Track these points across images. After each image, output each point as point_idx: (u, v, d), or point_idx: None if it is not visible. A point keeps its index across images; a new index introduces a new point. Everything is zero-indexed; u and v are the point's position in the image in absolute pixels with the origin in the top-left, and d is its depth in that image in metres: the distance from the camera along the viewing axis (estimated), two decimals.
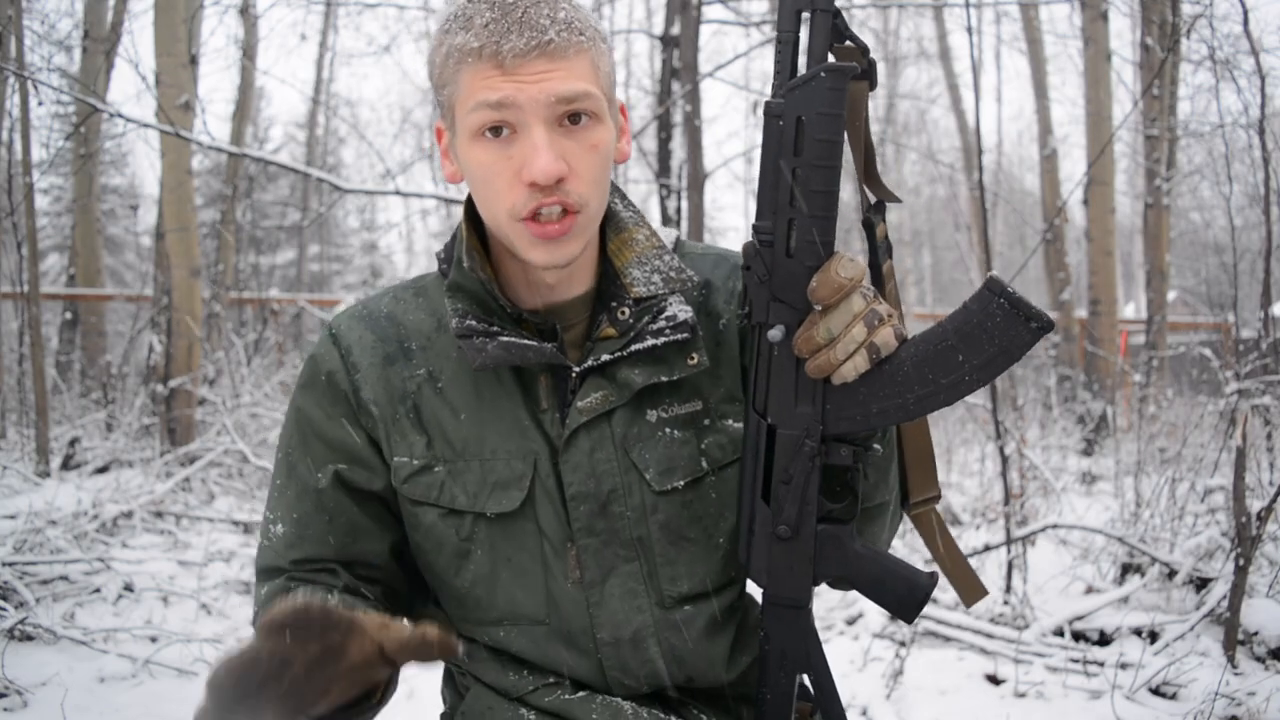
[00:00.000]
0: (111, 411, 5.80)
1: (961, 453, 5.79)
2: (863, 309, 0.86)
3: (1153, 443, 4.27)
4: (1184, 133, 7.11)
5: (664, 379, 1.00)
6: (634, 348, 0.99)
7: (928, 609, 3.05)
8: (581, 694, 1.02)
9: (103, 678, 2.70)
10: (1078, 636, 3.02)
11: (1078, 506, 4.45)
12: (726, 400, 1.04)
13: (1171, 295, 11.06)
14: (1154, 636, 2.93)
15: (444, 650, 0.79)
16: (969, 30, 3.47)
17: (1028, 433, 5.90)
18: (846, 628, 3.25)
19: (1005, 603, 3.25)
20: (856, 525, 0.97)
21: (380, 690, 0.86)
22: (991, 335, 0.85)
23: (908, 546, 3.79)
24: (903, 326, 0.89)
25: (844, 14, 0.88)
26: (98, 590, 3.30)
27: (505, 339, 0.97)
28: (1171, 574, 3.17)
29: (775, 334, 0.89)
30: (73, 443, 4.96)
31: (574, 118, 0.93)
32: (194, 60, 5.66)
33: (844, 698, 1.17)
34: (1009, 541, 3.33)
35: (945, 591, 3.30)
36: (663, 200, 6.49)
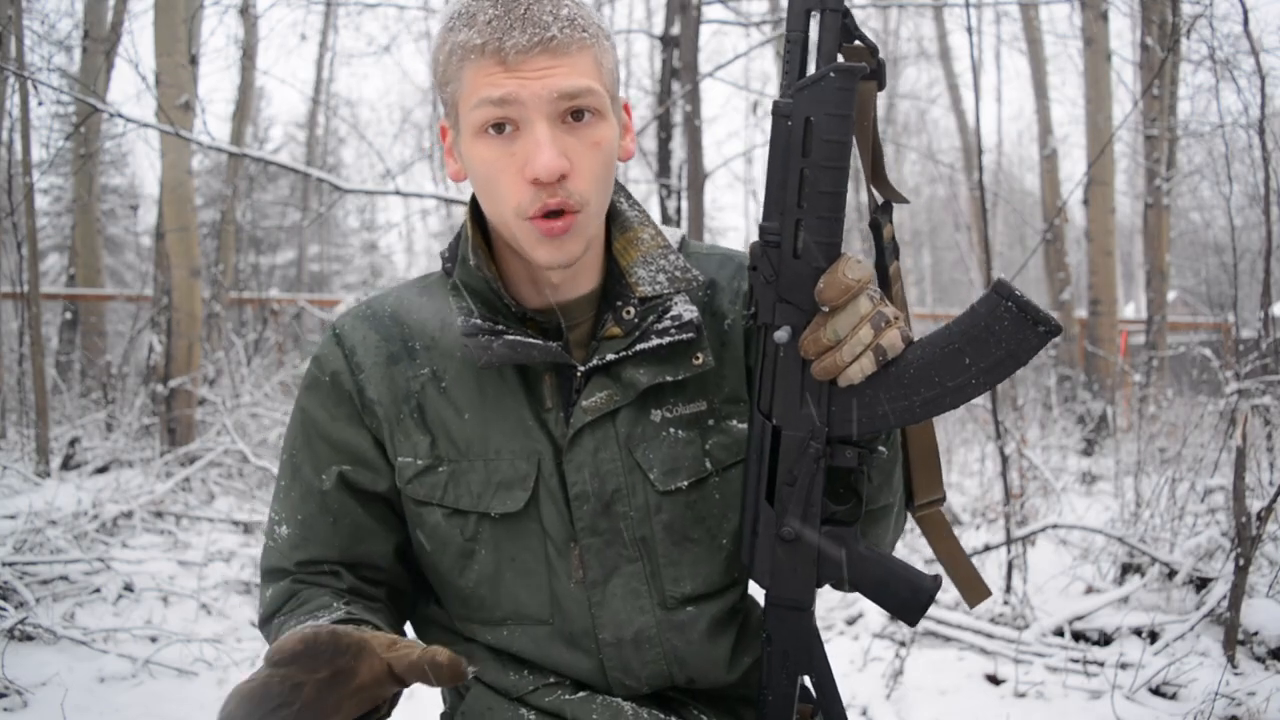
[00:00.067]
0: (111, 411, 5.80)
1: (961, 453, 5.79)
2: (869, 311, 0.86)
3: (1153, 443, 4.28)
4: (1184, 133, 7.11)
5: (669, 379, 1.00)
6: (639, 347, 0.99)
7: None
8: (582, 694, 1.02)
9: (103, 678, 2.70)
10: (1078, 636, 3.03)
11: (1078, 506, 4.45)
12: (731, 401, 1.04)
13: (1171, 295, 11.07)
14: (1154, 636, 2.93)
15: (453, 673, 0.78)
16: (969, 30, 3.47)
17: (1028, 433, 5.91)
18: (847, 628, 3.25)
19: (1005, 603, 3.25)
20: (861, 527, 0.97)
21: (387, 705, 0.86)
22: (999, 338, 0.85)
23: (907, 547, 3.80)
24: (909, 329, 0.89)
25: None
26: (98, 590, 3.29)
27: (511, 337, 0.97)
28: (1171, 574, 3.17)
29: (781, 335, 0.89)
30: (73, 443, 4.95)
31: (577, 114, 0.93)
32: (194, 60, 5.66)
33: (844, 698, 1.17)
34: (1009, 541, 3.33)
35: (946, 591, 3.30)
36: (663, 200, 6.49)
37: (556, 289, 1.02)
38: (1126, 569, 3.42)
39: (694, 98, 5.55)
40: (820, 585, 0.96)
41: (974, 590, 1.03)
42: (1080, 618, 3.05)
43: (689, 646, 1.02)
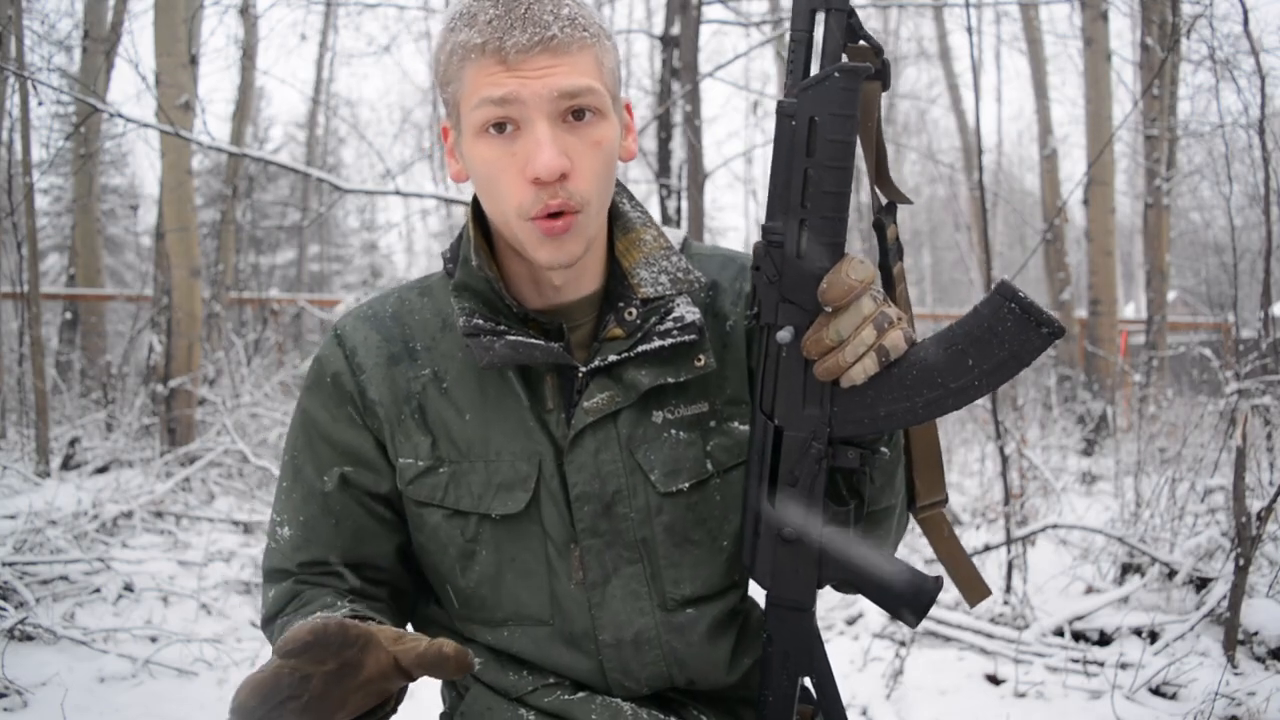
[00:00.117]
0: (111, 411, 5.80)
1: (961, 453, 5.79)
2: (873, 311, 0.86)
3: (1153, 443, 4.28)
4: (1184, 133, 7.11)
5: (671, 380, 1.00)
6: (641, 348, 0.98)
7: None
8: (581, 694, 1.02)
9: (103, 678, 2.70)
10: (1078, 636, 3.03)
11: (1078, 506, 4.45)
12: (732, 402, 1.04)
13: (1171, 295, 11.07)
14: (1154, 636, 2.93)
15: (459, 665, 0.79)
16: (969, 30, 3.47)
17: (1028, 433, 5.91)
18: (846, 628, 3.25)
19: (1005, 603, 3.25)
20: (862, 528, 0.97)
21: (393, 700, 0.86)
22: (1002, 340, 0.85)
23: (908, 547, 3.79)
24: (912, 330, 0.89)
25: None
26: (98, 590, 3.29)
27: (513, 338, 0.97)
28: (1171, 574, 3.18)
29: (784, 335, 0.89)
30: (73, 443, 4.95)
31: (578, 114, 0.93)
32: (194, 60, 5.66)
33: (844, 698, 1.17)
34: (1009, 541, 3.33)
35: (946, 591, 3.30)
36: (663, 200, 6.48)
37: (559, 290, 1.02)
38: (1126, 569, 3.42)
39: (694, 98, 5.55)
40: (821, 586, 0.95)
41: (974, 590, 1.02)
42: (1080, 618, 3.05)
43: (689, 648, 1.02)
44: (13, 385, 5.45)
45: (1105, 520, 3.82)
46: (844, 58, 0.88)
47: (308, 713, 0.76)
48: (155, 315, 5.87)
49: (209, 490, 4.92)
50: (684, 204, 6.27)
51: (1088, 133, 7.37)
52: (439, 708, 1.14)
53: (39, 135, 10.10)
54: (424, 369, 1.03)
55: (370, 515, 1.04)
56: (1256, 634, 2.75)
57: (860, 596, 1.09)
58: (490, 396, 1.01)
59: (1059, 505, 4.25)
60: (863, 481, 0.95)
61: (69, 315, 7.51)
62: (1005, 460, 3.49)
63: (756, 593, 1.08)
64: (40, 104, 5.34)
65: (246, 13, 7.65)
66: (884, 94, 0.93)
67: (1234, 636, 2.69)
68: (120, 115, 3.85)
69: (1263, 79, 3.23)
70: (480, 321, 0.98)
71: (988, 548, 3.50)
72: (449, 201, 4.78)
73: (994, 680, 2.77)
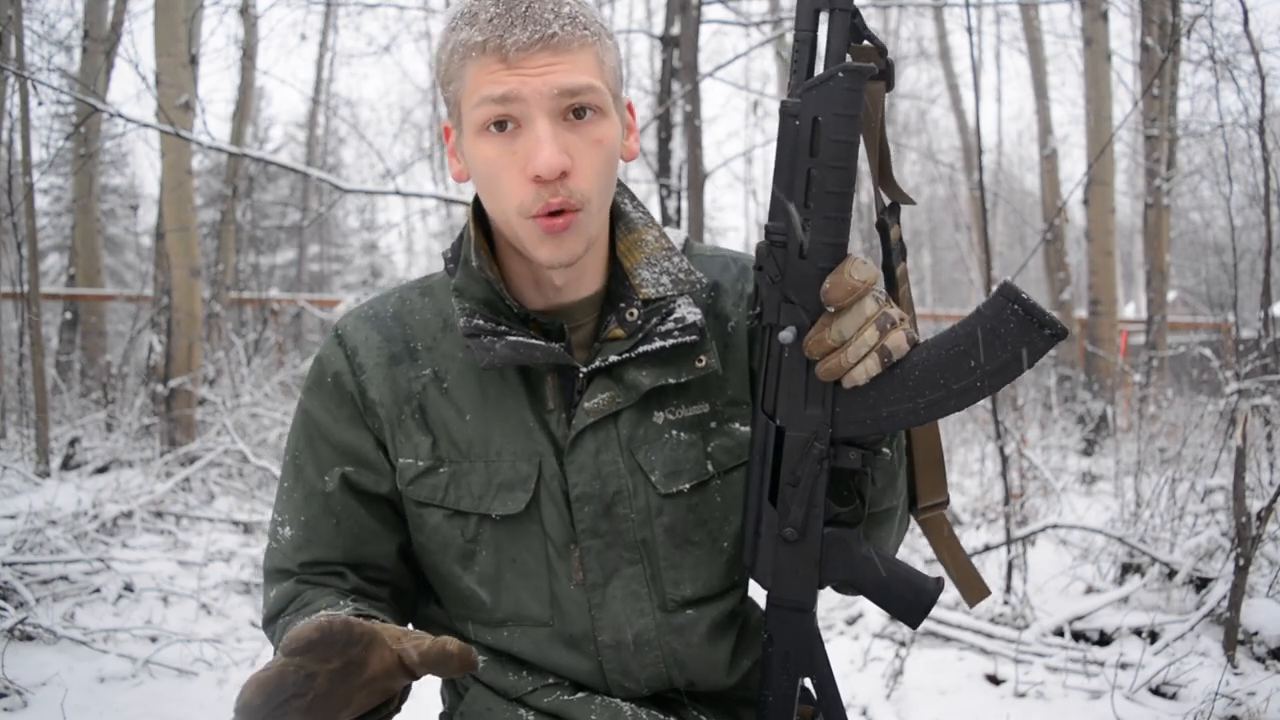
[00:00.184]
0: (111, 411, 5.80)
1: (961, 453, 5.79)
2: (875, 312, 0.86)
3: (1153, 443, 4.28)
4: (1184, 133, 7.11)
5: (672, 381, 0.99)
6: (642, 349, 0.98)
7: None
8: (581, 695, 1.02)
9: (103, 678, 2.70)
10: (1078, 636, 3.03)
11: (1078, 506, 4.45)
12: (733, 403, 1.03)
13: (1171, 295, 11.08)
14: (1154, 636, 2.93)
15: (464, 663, 0.79)
16: (969, 30, 3.47)
17: (1028, 433, 5.91)
18: (846, 628, 3.25)
19: (1005, 603, 3.25)
20: (863, 529, 0.97)
21: (397, 698, 0.86)
22: (1005, 341, 0.85)
23: (908, 547, 3.79)
24: (915, 330, 0.89)
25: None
26: (98, 590, 3.29)
27: (513, 338, 0.96)
28: (1171, 574, 3.18)
29: (786, 335, 0.89)
30: (73, 443, 4.95)
31: (578, 112, 0.93)
32: (194, 60, 5.66)
33: (844, 698, 1.17)
34: (1009, 541, 3.33)
35: (946, 591, 3.29)
36: (663, 200, 6.48)
37: (560, 290, 1.02)
38: (1126, 569, 3.42)
39: (694, 98, 5.55)
40: (822, 587, 0.95)
41: (974, 589, 1.03)
42: (1080, 618, 3.05)
43: (689, 649, 1.02)
44: (13, 385, 5.45)
45: (1105, 520, 3.82)
46: (848, 58, 0.88)
47: (313, 711, 0.76)
48: (155, 315, 5.87)
49: (209, 490, 4.92)
50: (684, 204, 6.27)
51: (1088, 133, 7.37)
52: (438, 708, 1.14)
53: (39, 135, 10.11)
54: (425, 369, 1.03)
55: (371, 515, 1.04)
56: (1256, 634, 2.75)
57: (860, 597, 1.09)
58: (491, 397, 1.01)
59: (1059, 505, 4.25)
60: (864, 482, 0.95)
61: (69, 315, 7.51)
62: (1005, 460, 3.49)
63: (756, 593, 1.08)
64: (40, 104, 5.35)
65: (246, 13, 7.65)
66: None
67: (1234, 636, 2.69)
68: (120, 115, 3.85)
69: (1263, 79, 3.23)
70: (481, 322, 0.97)
71: (988, 548, 3.50)
72: (449, 201, 4.78)
73: (994, 680, 2.77)
